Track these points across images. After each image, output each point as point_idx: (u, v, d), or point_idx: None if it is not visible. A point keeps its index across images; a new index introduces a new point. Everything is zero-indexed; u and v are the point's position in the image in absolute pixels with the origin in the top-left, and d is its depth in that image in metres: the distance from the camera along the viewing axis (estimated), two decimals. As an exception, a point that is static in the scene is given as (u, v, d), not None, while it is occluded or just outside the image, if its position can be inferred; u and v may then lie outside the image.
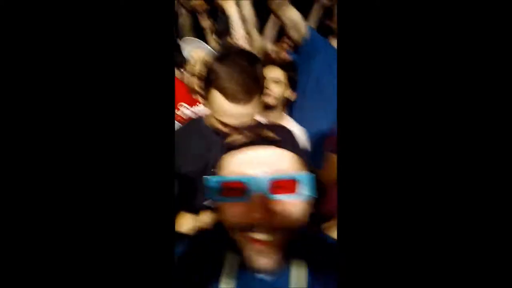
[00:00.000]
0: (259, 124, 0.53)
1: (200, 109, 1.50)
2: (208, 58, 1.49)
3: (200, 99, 0.88)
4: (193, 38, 1.57)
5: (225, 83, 0.73)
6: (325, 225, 0.83)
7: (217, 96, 0.75)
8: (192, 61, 1.45)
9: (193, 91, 1.50)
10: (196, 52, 1.47)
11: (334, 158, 1.04)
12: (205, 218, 0.82)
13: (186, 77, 1.53)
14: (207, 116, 0.91)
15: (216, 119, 0.80)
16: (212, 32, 2.07)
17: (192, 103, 1.50)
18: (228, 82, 0.73)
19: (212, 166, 0.53)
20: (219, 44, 2.08)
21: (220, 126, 0.81)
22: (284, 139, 0.51)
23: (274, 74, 1.30)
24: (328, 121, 1.27)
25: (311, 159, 0.56)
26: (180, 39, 1.72)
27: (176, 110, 1.52)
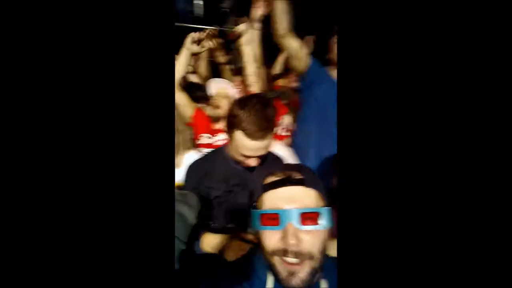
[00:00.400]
0: (289, 167, 0.67)
1: (220, 138, 1.73)
2: (229, 94, 1.74)
3: (227, 136, 1.09)
4: (218, 78, 1.86)
5: (246, 125, 0.93)
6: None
7: (239, 135, 0.96)
8: (216, 97, 1.72)
9: (215, 121, 1.75)
10: (220, 89, 1.74)
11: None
12: (227, 239, 1.01)
13: (209, 110, 1.78)
14: (229, 148, 1.10)
15: (239, 152, 1.00)
16: (227, 67, 2.34)
17: (213, 133, 1.74)
18: (248, 124, 0.93)
19: (253, 200, 0.66)
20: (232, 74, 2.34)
21: (241, 158, 1.01)
22: (308, 178, 0.62)
23: None
24: (328, 149, 1.41)
25: (321, 180, 0.66)
26: (203, 79, 2.01)
27: (198, 140, 1.76)
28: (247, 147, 0.96)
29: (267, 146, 1.00)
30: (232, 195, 1.08)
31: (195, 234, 1.00)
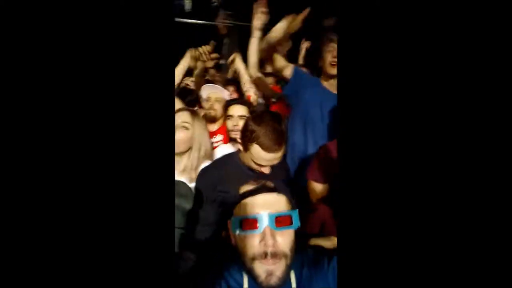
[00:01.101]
0: (264, 176, 0.75)
1: (217, 139, 1.77)
2: (221, 97, 1.77)
3: (241, 148, 1.16)
4: (211, 84, 1.90)
5: (263, 140, 1.03)
6: (311, 241, 0.95)
7: (257, 149, 1.05)
8: (210, 100, 1.77)
9: (211, 122, 1.78)
10: (213, 93, 1.80)
11: (312, 185, 1.27)
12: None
13: (204, 112, 1.81)
14: (243, 156, 1.19)
15: (254, 162, 1.09)
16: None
17: (211, 135, 1.77)
18: (265, 140, 1.03)
19: (231, 208, 0.71)
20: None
21: (256, 166, 1.12)
22: (279, 186, 0.72)
23: (240, 112, 1.63)
24: (312, 149, 1.53)
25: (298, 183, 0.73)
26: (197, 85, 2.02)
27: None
28: (264, 158, 1.07)
29: (281, 156, 1.09)
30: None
31: (192, 220, 1.12)
